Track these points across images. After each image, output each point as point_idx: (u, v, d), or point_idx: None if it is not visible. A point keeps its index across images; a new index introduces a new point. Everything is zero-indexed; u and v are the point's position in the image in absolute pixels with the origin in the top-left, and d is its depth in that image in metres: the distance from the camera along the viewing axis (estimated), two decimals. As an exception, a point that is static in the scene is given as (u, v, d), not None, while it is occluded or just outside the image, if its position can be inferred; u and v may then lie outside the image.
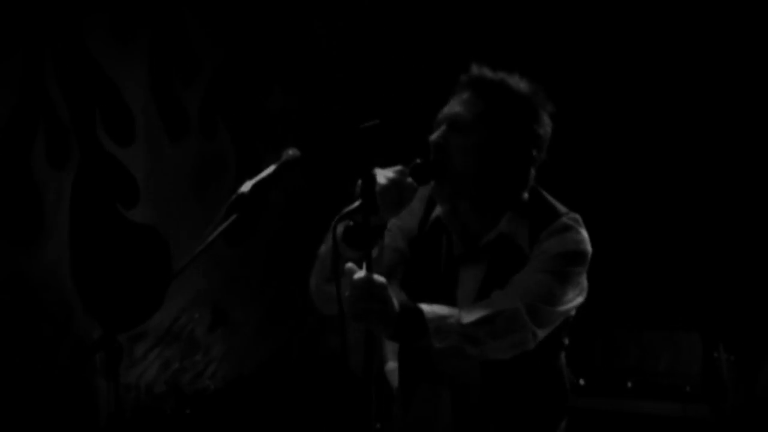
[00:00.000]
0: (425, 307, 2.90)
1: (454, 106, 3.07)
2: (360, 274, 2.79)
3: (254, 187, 3.48)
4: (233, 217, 3.45)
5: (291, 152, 3.54)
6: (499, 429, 3.11)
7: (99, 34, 5.02)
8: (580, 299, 3.10)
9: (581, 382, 5.44)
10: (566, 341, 3.20)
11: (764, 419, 4.98)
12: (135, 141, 5.22)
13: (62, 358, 4.95)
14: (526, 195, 3.13)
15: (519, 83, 3.12)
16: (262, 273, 5.68)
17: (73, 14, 4.89)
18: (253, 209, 3.50)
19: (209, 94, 5.48)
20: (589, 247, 3.09)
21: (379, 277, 2.79)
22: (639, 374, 5.39)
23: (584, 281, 3.11)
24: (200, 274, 5.29)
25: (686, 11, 5.94)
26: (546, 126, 3.12)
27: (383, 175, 3.04)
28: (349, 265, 2.81)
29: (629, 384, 5.37)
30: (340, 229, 3.07)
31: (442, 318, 2.88)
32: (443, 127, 3.06)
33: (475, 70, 3.14)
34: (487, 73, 3.12)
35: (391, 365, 4.43)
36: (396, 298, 2.88)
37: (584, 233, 3.11)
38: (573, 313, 3.13)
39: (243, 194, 3.46)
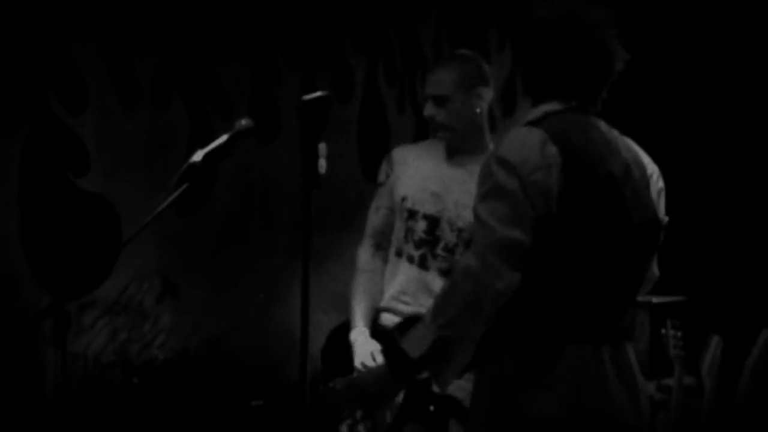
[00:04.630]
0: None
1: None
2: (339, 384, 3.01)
3: (206, 156, 3.53)
4: (184, 186, 3.51)
5: (244, 122, 3.59)
6: None
7: (54, 2, 5.02)
8: None
9: None
10: None
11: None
12: (87, 109, 5.22)
13: (9, 325, 4.94)
14: None
15: None
16: (213, 245, 5.70)
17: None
18: (205, 179, 3.59)
19: (163, 64, 5.48)
20: None
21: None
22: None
23: None
24: (150, 244, 5.30)
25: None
26: None
27: None
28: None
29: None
30: None
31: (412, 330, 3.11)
32: None
33: None
34: None
35: (360, 334, 4.36)
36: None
37: None
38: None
39: (194, 163, 3.51)
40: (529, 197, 3.07)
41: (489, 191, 3.11)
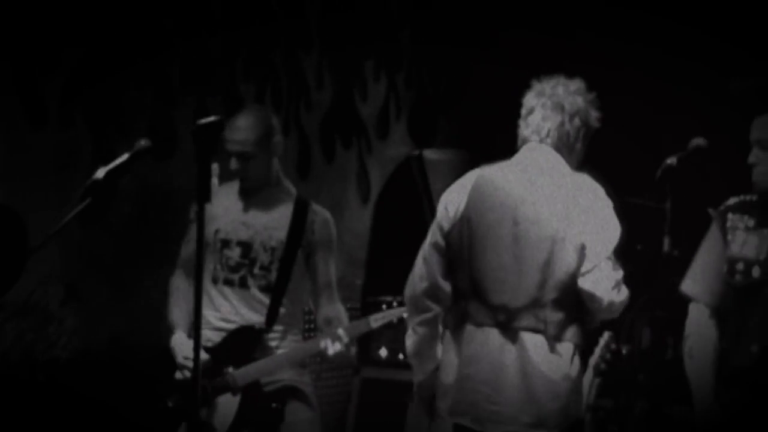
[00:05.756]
0: None
1: None
2: None
3: (108, 173, 3.79)
4: (87, 200, 3.78)
5: (143, 142, 3.88)
6: None
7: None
8: None
9: (401, 357, 5.83)
10: None
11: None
12: (-6, 128, 5.41)
13: None
14: None
15: None
16: (113, 253, 5.86)
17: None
18: (106, 193, 3.79)
19: (68, 86, 5.67)
20: None
21: None
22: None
23: None
24: (55, 252, 5.45)
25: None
26: None
27: None
28: None
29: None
30: None
31: None
32: None
33: None
34: None
35: (180, 336, 4.70)
36: None
37: None
38: None
39: (97, 180, 3.78)
40: (438, 220, 4.07)
41: None
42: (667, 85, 6.50)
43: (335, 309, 4.84)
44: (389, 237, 6.45)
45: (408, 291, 4.14)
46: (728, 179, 6.23)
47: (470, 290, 4.01)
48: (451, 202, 4.07)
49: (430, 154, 6.53)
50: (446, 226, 4.05)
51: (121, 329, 5.83)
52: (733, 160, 5.91)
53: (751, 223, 4.13)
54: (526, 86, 4.21)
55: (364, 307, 6.07)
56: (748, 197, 4.21)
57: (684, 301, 4.82)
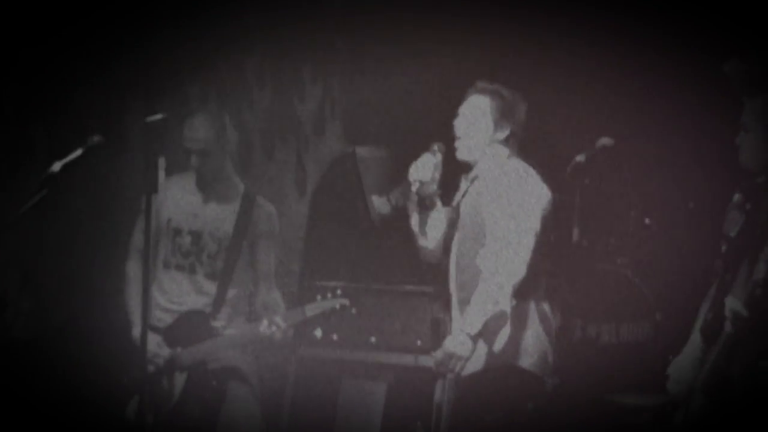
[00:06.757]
0: None
1: None
2: None
3: (63, 167, 4.01)
4: (43, 192, 3.99)
5: (96, 139, 4.14)
6: None
7: None
8: None
9: (334, 337, 6.08)
10: None
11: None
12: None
13: None
14: None
15: None
16: (67, 242, 6.05)
17: None
18: (61, 185, 4.00)
19: (26, 86, 5.87)
20: None
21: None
22: (380, 331, 6.04)
23: None
24: (13, 241, 5.65)
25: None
26: None
27: None
28: None
29: (372, 339, 6.06)
30: None
31: None
32: None
33: None
34: None
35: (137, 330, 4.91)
36: None
37: None
38: None
39: (52, 173, 4.00)
40: (543, 211, 4.47)
41: None
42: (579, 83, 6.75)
43: (273, 296, 5.17)
44: (325, 227, 6.66)
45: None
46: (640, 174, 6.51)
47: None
48: (546, 195, 4.46)
49: (362, 151, 6.69)
50: (547, 216, 4.44)
51: (75, 312, 6.01)
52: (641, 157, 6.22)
53: (740, 199, 4.27)
54: (458, 90, 4.56)
55: (301, 290, 6.29)
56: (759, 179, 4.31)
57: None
